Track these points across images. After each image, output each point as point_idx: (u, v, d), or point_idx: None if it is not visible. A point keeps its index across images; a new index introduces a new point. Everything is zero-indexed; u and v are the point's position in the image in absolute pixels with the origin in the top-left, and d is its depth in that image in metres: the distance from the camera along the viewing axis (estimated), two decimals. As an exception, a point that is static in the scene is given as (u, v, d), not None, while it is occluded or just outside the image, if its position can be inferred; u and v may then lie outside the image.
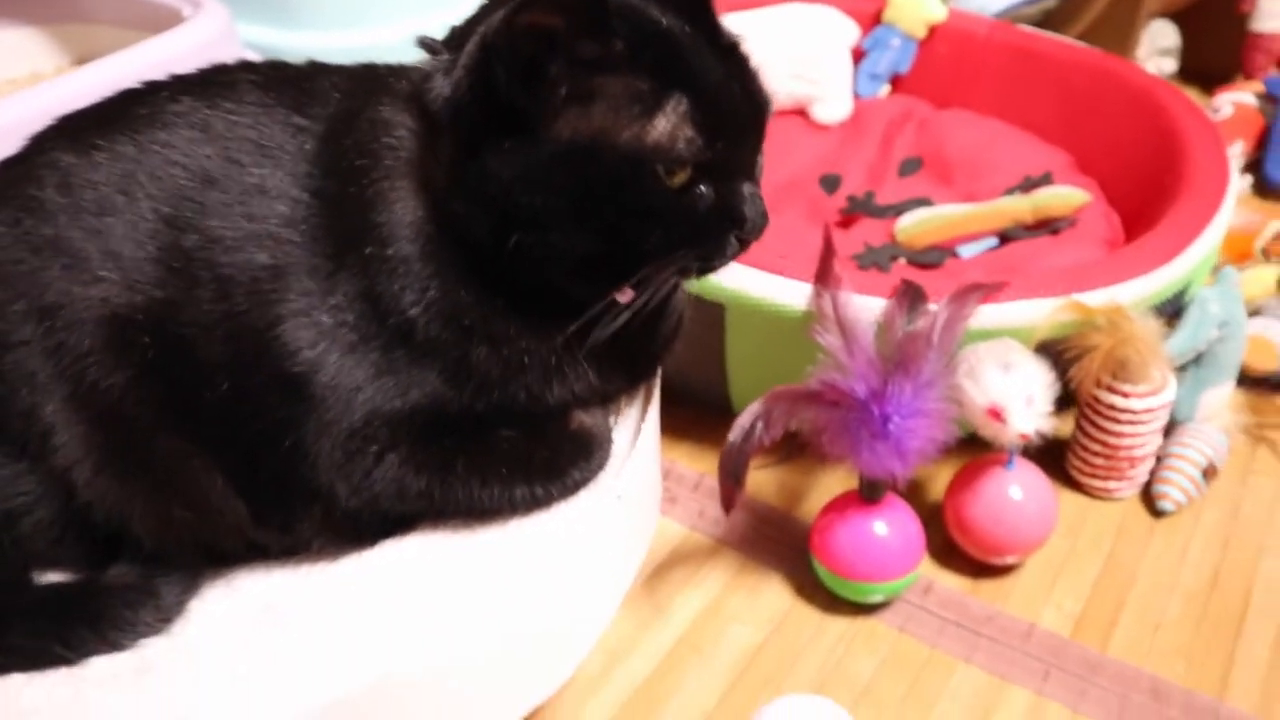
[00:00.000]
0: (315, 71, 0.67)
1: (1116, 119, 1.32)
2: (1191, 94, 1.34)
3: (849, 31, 1.47)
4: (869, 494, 0.89)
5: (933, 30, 1.48)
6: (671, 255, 0.60)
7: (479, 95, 0.57)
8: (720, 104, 0.59)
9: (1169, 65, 1.83)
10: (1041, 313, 0.93)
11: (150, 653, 0.60)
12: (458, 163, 0.59)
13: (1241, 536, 1.01)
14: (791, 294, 0.94)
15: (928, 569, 0.96)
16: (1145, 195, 1.20)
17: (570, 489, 0.66)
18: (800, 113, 1.44)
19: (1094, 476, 1.03)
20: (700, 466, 1.07)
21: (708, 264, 0.62)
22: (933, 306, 0.89)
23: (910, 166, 1.39)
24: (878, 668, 0.88)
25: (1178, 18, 1.82)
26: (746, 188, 0.61)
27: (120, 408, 0.61)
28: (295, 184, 0.62)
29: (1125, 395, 0.97)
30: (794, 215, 1.29)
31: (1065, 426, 1.01)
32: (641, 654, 0.89)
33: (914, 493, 0.99)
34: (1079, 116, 1.36)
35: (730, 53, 0.61)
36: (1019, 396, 0.86)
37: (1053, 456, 1.03)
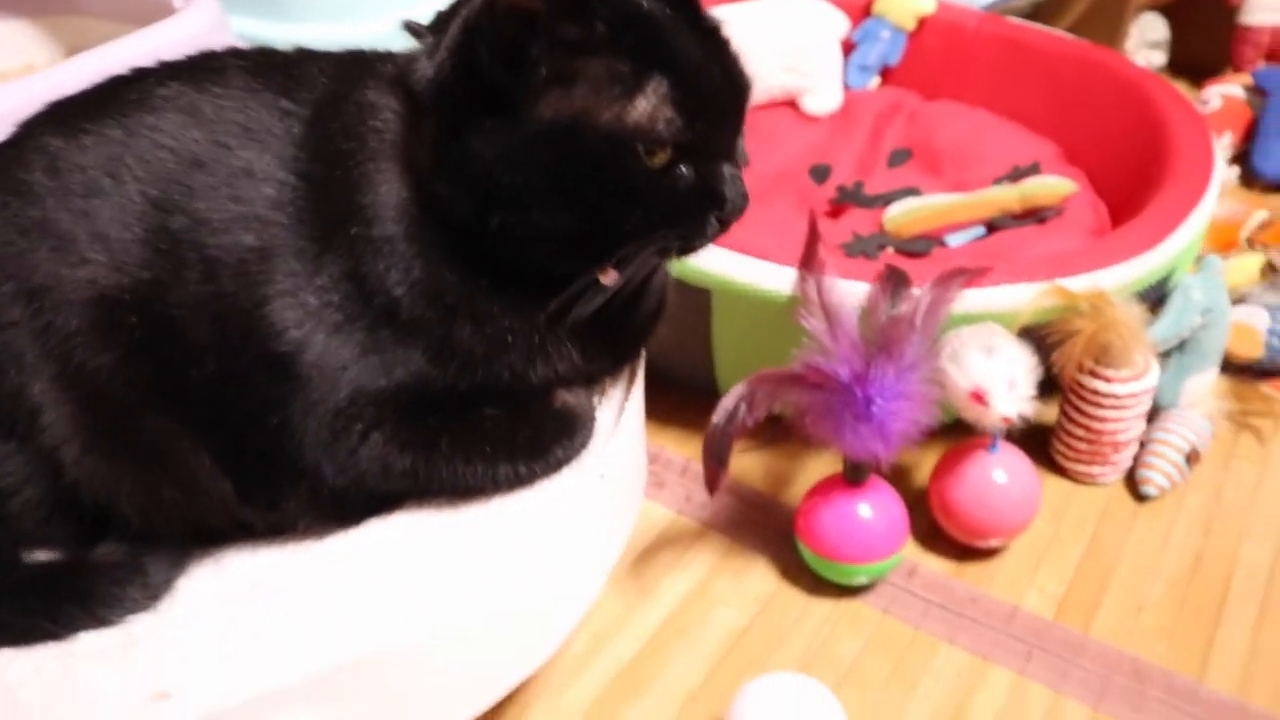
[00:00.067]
0: (303, 58, 0.68)
1: (1105, 111, 1.32)
2: (1180, 87, 1.34)
3: (839, 23, 1.48)
4: (853, 476, 0.90)
5: (922, 22, 1.49)
6: (651, 235, 0.61)
7: (462, 76, 0.58)
8: (700, 86, 0.59)
9: (1158, 58, 1.84)
10: (1025, 297, 0.93)
11: (137, 629, 0.61)
12: (441, 143, 0.60)
13: (1223, 521, 1.02)
14: (777, 279, 0.94)
15: (912, 552, 0.97)
16: (1132, 186, 1.21)
17: (553, 467, 0.67)
18: (790, 104, 1.45)
19: (1078, 461, 1.04)
20: (687, 451, 1.08)
21: (688, 244, 0.63)
22: (916, 291, 0.90)
23: (899, 157, 1.39)
24: (862, 649, 0.89)
25: (1167, 11, 1.83)
26: (726, 169, 0.62)
27: (108, 388, 0.62)
28: (282, 167, 0.62)
29: (1108, 380, 0.98)
30: (784, 206, 1.29)
31: (1049, 412, 1.02)
32: (628, 636, 0.90)
33: (899, 477, 0.99)
34: (1068, 108, 1.37)
35: (711, 35, 0.62)
36: (1001, 380, 0.87)
37: (1037, 441, 1.03)
